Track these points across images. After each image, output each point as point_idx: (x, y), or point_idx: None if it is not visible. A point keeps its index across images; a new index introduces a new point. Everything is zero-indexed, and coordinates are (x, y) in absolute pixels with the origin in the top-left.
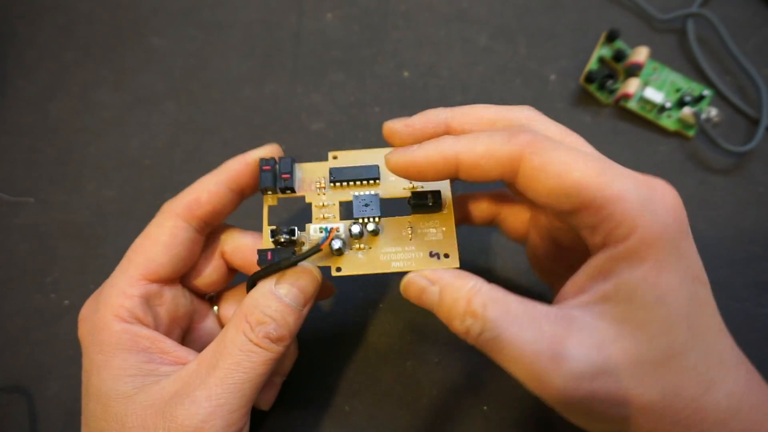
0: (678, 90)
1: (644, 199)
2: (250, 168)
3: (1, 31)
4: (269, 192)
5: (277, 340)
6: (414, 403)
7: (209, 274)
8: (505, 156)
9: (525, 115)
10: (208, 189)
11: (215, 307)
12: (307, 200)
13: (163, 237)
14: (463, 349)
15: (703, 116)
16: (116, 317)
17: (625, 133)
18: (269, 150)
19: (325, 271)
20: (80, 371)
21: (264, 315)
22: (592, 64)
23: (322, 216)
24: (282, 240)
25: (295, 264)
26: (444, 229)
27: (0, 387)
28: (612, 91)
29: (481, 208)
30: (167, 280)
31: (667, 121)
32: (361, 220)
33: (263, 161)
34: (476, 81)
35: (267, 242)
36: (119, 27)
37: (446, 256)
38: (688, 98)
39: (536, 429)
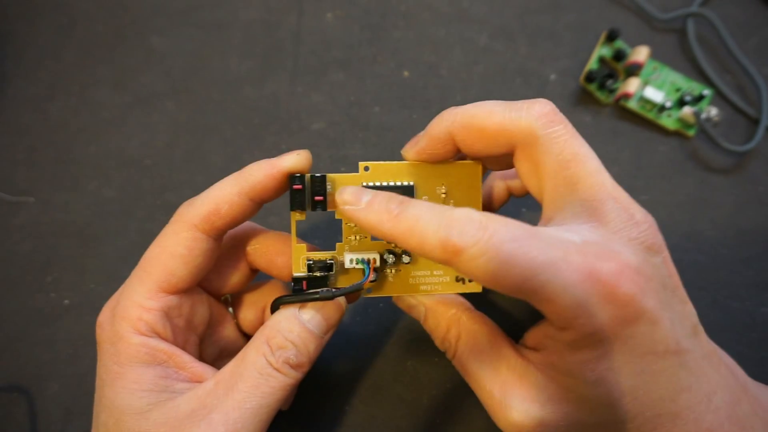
0: (678, 89)
1: (580, 301)
2: (276, 180)
3: (1, 31)
4: (298, 210)
5: (296, 366)
6: (414, 402)
7: (231, 275)
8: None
9: (537, 122)
10: (230, 201)
11: (230, 309)
12: (337, 216)
13: (180, 249)
14: None
15: (703, 116)
16: (134, 330)
17: (625, 133)
18: (297, 160)
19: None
20: (80, 370)
21: (285, 340)
22: (592, 63)
23: (353, 238)
24: (317, 273)
25: (332, 299)
26: None
27: (0, 387)
28: (612, 91)
29: (500, 187)
30: (185, 290)
31: (667, 121)
32: (394, 249)
33: (293, 179)
34: (476, 81)
35: (297, 263)
36: (119, 27)
37: (470, 280)
38: (688, 98)
39: None
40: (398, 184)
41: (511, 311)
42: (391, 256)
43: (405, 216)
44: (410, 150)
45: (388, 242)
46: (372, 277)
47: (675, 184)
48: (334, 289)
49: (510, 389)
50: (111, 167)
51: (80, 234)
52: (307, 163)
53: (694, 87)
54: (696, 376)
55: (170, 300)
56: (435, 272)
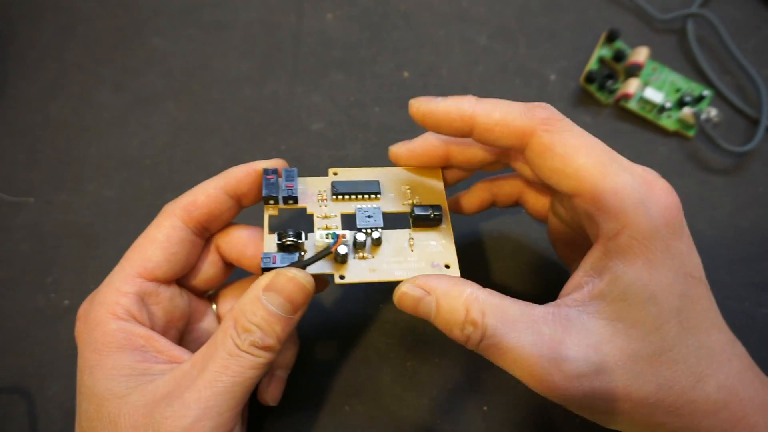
0: (678, 90)
1: (640, 197)
2: (252, 177)
3: (1, 31)
4: (271, 201)
5: (264, 348)
6: (414, 403)
7: (205, 269)
8: (519, 127)
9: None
10: (207, 192)
11: (214, 305)
12: (309, 211)
13: (159, 236)
14: (463, 349)
15: (703, 116)
16: (112, 315)
17: (625, 134)
18: (274, 162)
19: (328, 278)
20: None
21: (249, 323)
22: (592, 64)
23: (324, 226)
24: (288, 243)
25: (304, 267)
26: (444, 242)
27: (0, 387)
28: (612, 92)
29: (505, 191)
30: (163, 280)
31: (667, 122)
32: (365, 230)
33: (267, 171)
34: (476, 81)
35: (268, 249)
36: (120, 27)
37: (447, 266)
38: (688, 98)
39: (536, 429)
40: (365, 180)
41: None
42: (361, 234)
43: (486, 99)
44: (401, 147)
45: (454, 130)
46: (342, 248)
47: (674, 185)
48: (304, 259)
49: (559, 343)
50: (111, 167)
51: (80, 234)
52: (282, 166)
53: (693, 88)
54: (720, 318)
55: (147, 286)
56: (409, 258)
